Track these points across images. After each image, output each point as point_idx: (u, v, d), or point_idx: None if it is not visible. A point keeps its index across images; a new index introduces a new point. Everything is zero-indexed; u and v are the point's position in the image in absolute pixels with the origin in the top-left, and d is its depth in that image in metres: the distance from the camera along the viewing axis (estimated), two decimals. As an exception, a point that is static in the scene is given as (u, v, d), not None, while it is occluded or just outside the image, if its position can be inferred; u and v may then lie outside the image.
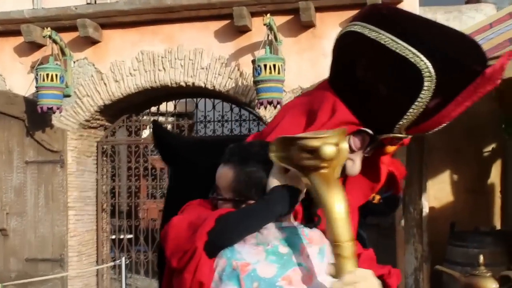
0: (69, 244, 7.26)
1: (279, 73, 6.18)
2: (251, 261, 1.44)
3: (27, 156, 7.32)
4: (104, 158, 7.85)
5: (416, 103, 1.43)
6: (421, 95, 1.41)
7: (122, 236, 8.09)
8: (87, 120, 7.34)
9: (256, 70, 6.14)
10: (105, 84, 7.20)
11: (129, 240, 8.07)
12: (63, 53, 7.13)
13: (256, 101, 6.31)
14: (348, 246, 1.37)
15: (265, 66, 6.09)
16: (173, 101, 8.32)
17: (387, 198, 3.74)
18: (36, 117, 7.10)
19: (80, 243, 7.41)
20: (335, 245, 1.38)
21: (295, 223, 1.60)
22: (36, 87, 6.87)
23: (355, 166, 1.60)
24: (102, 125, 7.70)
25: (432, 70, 1.38)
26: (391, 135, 1.54)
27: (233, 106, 7.76)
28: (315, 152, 1.37)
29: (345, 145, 1.42)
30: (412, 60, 1.39)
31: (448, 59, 1.40)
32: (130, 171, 8.16)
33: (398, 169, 1.86)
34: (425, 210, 6.11)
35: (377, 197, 3.58)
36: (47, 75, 6.76)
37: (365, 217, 1.85)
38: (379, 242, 5.56)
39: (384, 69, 1.45)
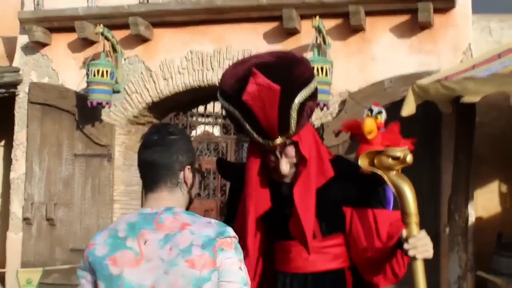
0: (113, 237, 7.39)
1: (326, 75, 6.18)
2: (96, 242, 1.81)
3: (76, 149, 7.49)
4: (150, 154, 7.94)
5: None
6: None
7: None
8: (135, 116, 7.47)
9: (303, 71, 6.14)
10: (154, 81, 7.32)
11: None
12: (115, 50, 7.28)
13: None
14: (417, 216, 2.02)
15: (313, 68, 6.08)
16: (220, 101, 8.38)
17: None
18: (86, 111, 7.26)
19: (123, 236, 7.52)
20: (408, 214, 2.01)
21: (177, 209, 1.82)
22: (87, 82, 7.04)
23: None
24: (150, 122, 7.81)
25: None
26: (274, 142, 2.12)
27: (279, 107, 7.75)
28: (398, 159, 2.03)
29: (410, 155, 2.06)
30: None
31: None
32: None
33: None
34: (471, 219, 6.01)
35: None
36: (98, 70, 6.90)
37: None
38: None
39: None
